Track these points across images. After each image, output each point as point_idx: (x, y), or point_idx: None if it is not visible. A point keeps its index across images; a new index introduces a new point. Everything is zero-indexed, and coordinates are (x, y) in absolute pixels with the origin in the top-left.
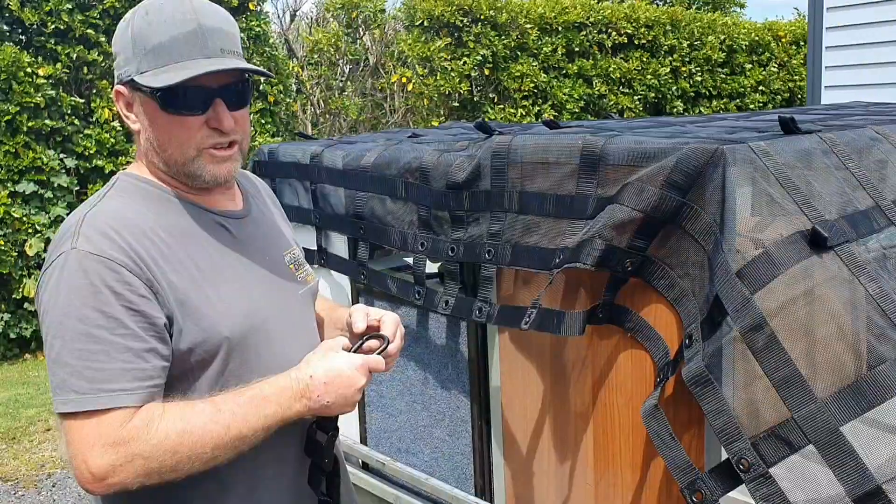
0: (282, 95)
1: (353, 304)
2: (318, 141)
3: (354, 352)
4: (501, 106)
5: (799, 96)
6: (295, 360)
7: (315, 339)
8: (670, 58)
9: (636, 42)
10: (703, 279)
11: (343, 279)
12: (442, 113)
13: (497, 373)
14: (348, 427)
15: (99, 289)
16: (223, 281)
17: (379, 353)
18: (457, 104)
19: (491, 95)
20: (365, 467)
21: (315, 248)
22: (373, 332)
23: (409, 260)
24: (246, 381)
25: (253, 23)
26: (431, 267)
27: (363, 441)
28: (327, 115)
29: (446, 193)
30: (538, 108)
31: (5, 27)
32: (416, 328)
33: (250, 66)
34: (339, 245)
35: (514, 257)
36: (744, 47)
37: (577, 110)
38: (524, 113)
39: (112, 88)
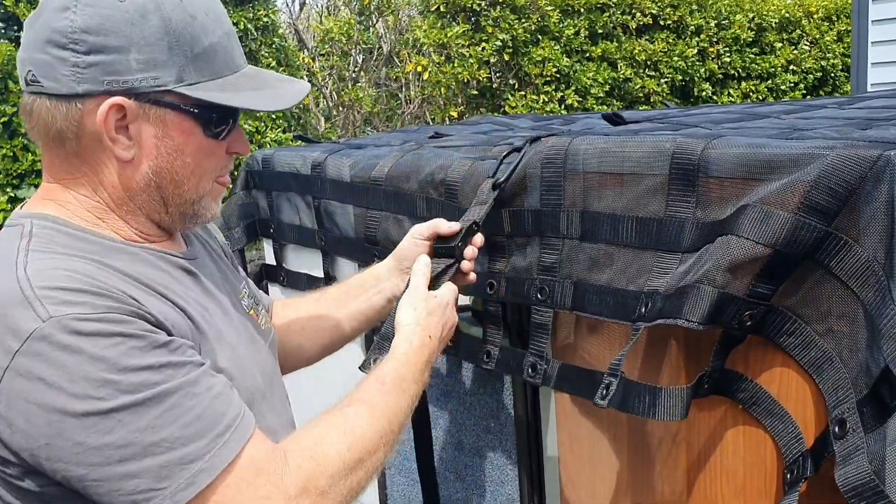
0: None
1: (367, 349)
2: (321, 145)
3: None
4: (522, 93)
5: (832, 75)
6: (283, 427)
7: (287, 404)
8: (697, 38)
9: (661, 23)
10: (858, 339)
11: None
12: (460, 102)
13: (553, 441)
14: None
15: (122, 345)
16: (219, 343)
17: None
18: (475, 92)
19: (511, 82)
20: None
21: (321, 275)
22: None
23: None
24: None
25: (261, 12)
26: (463, 299)
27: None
28: (340, 108)
29: None
30: (561, 93)
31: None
32: (446, 378)
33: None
34: (348, 273)
35: (577, 299)
36: (773, 25)
37: (601, 95)
38: (546, 99)
39: None
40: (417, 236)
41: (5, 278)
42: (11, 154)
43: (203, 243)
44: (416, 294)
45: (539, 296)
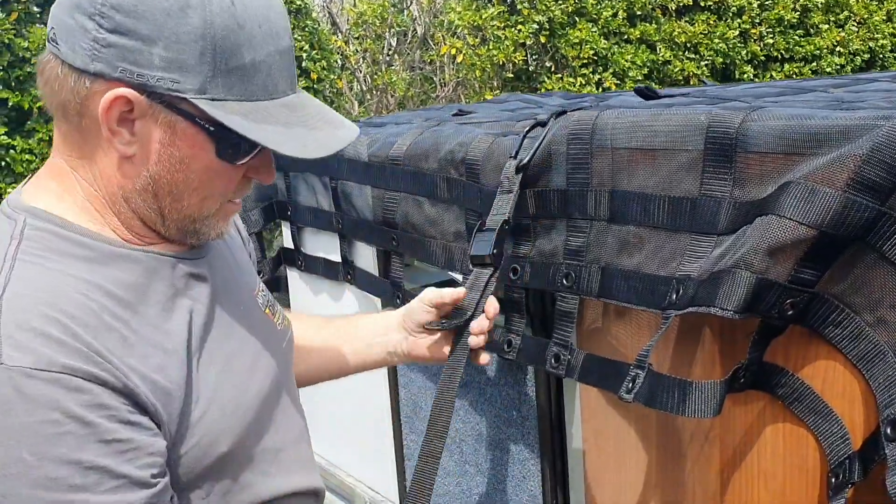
0: (325, 72)
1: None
2: None
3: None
4: (559, 75)
5: (880, 56)
6: (289, 443)
7: (300, 405)
8: (739, 20)
9: (702, 3)
10: None
11: (373, 301)
12: (496, 85)
13: (578, 434)
14: (383, 482)
15: (61, 426)
16: (211, 365)
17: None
18: (511, 75)
19: (548, 65)
20: None
21: (339, 259)
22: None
23: (457, 276)
24: (235, 494)
25: None
26: None
27: (402, 503)
28: (374, 92)
29: None
30: (598, 76)
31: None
32: (466, 368)
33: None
34: (368, 257)
35: (605, 286)
36: (819, 6)
37: (640, 78)
38: (584, 82)
39: None
40: (427, 302)
41: None
42: (48, 139)
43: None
44: None
45: (565, 282)
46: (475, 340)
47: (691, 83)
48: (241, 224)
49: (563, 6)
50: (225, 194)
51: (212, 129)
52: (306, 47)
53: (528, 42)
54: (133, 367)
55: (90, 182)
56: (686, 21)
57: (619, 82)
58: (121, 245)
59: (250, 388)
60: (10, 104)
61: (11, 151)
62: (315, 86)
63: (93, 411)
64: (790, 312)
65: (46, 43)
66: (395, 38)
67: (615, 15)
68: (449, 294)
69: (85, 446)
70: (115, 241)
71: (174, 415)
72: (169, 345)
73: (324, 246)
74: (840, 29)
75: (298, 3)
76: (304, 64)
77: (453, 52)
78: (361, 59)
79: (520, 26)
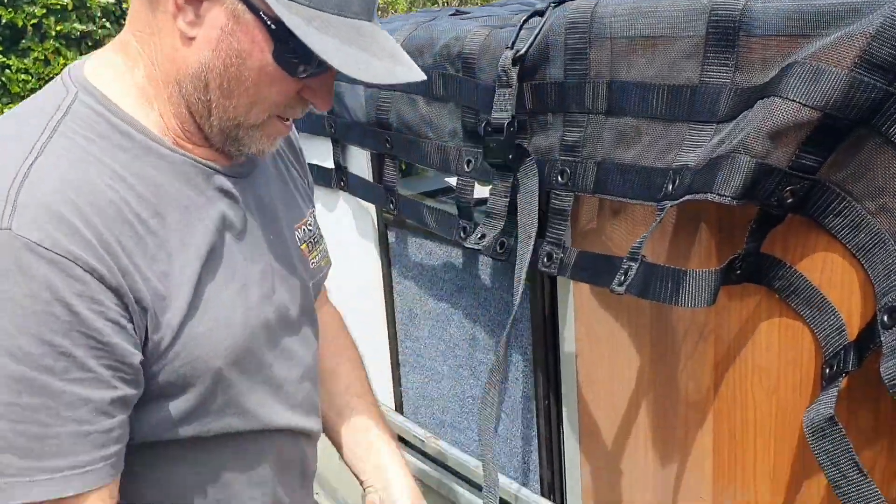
0: None
1: (379, 237)
2: None
3: None
4: None
5: None
6: (291, 381)
7: (315, 347)
8: None
9: None
10: None
11: (367, 208)
12: None
13: (571, 335)
14: (381, 390)
15: (48, 306)
16: (223, 284)
17: None
18: None
19: None
20: (401, 440)
21: (332, 166)
22: None
23: (452, 181)
24: (224, 416)
25: None
26: (481, 190)
27: (398, 408)
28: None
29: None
30: None
31: None
32: (461, 272)
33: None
34: (360, 162)
35: (600, 181)
36: None
37: None
38: None
39: None
40: None
41: (8, 160)
42: (43, 57)
43: (280, 158)
44: None
45: (559, 178)
46: None
47: None
48: (304, 159)
49: None
50: (275, 106)
51: (273, 26)
52: None
53: None
54: (138, 266)
55: (151, 60)
56: None
57: None
58: (161, 142)
59: (259, 315)
60: (4, 21)
61: (7, 71)
62: None
63: (82, 302)
64: (790, 200)
65: None
66: None
67: None
68: None
69: (64, 332)
70: (157, 137)
71: (172, 324)
72: (182, 254)
73: (316, 152)
74: None
75: None
76: None
77: None
78: None
79: None
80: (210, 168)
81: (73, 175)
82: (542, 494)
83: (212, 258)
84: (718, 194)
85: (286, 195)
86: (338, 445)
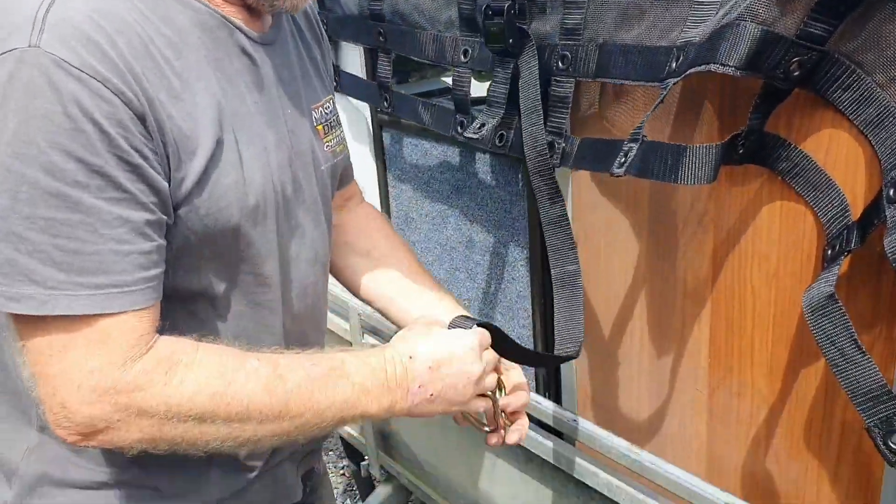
0: None
1: (374, 140)
2: None
3: None
4: None
5: None
6: (302, 261)
7: (328, 236)
8: None
9: None
10: None
11: (361, 108)
12: None
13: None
14: None
15: (80, 124)
16: (245, 142)
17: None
18: None
19: None
20: None
21: None
22: None
23: (449, 80)
24: (239, 273)
25: None
26: (479, 89)
27: None
28: None
29: None
30: None
31: None
32: (457, 173)
33: None
34: (353, 59)
35: (601, 65)
36: None
37: None
38: None
39: None
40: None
41: None
42: None
43: (300, 39)
44: (441, 333)
45: (560, 64)
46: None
47: None
48: (327, 44)
49: None
50: None
51: None
52: None
53: None
54: (163, 102)
55: None
56: None
57: None
58: None
59: (278, 182)
60: None
61: None
62: None
63: (112, 125)
64: (796, 73)
65: None
66: None
67: None
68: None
69: (97, 151)
70: None
71: (196, 169)
72: (206, 102)
73: None
74: None
75: None
76: None
77: None
78: None
79: None
80: (234, 26)
81: (101, 4)
82: (537, 391)
83: (233, 114)
84: (722, 64)
85: (305, 75)
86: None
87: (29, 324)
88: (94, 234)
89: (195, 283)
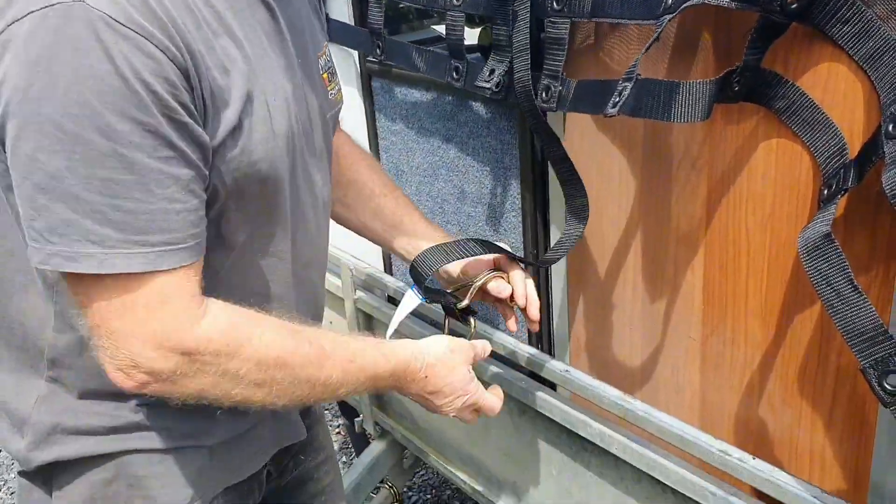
0: None
1: (363, 89)
2: None
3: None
4: None
5: None
6: (312, 208)
7: (330, 185)
8: None
9: None
10: None
11: (350, 58)
12: None
13: None
14: (367, 251)
15: (130, 83)
16: (271, 93)
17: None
18: None
19: None
20: (390, 300)
21: None
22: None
23: (441, 29)
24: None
25: None
26: (472, 37)
27: (387, 269)
28: None
29: None
30: None
31: None
32: (448, 122)
33: None
34: (340, 7)
35: (597, 4)
36: None
37: None
38: None
39: None
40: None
41: None
42: None
43: None
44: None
45: (555, 4)
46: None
47: None
48: None
49: None
50: None
51: None
52: None
53: None
54: (202, 53)
55: None
56: None
57: None
58: None
59: (298, 133)
60: None
61: None
62: None
63: (160, 83)
64: (794, 6)
65: None
66: None
67: None
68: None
69: (148, 110)
70: None
71: (231, 121)
72: (236, 54)
73: None
74: None
75: None
76: None
77: None
78: None
79: None
80: None
81: None
82: (529, 343)
83: (259, 66)
84: None
85: (310, 23)
86: (381, 243)
87: (87, 283)
88: (149, 193)
89: (215, 234)
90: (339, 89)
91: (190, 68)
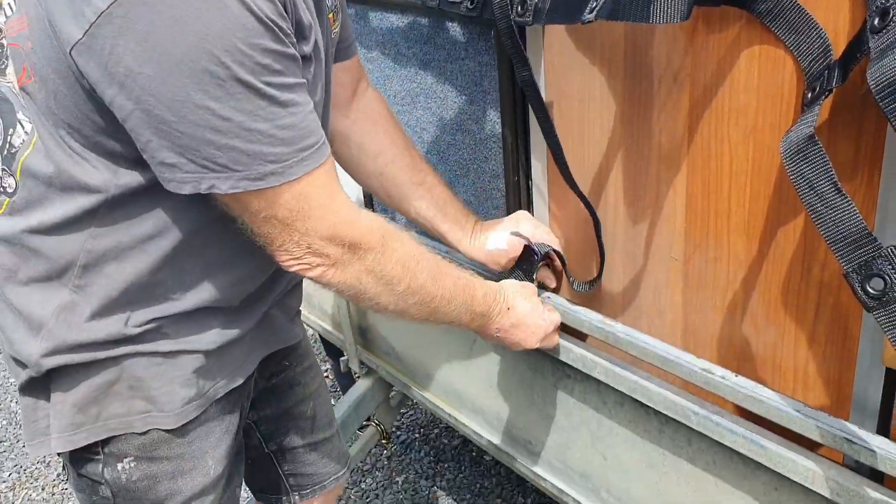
0: None
1: None
2: None
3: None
4: None
5: None
6: None
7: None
8: None
9: None
10: None
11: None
12: None
13: (542, 87)
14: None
15: (261, 20)
16: (320, 34)
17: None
18: None
19: None
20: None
21: None
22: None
23: None
24: None
25: None
26: None
27: (368, 203)
28: None
29: None
30: None
31: None
32: (424, 46)
33: None
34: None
35: None
36: None
37: None
38: None
39: None
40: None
41: None
42: None
43: None
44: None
45: None
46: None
47: None
48: None
49: None
50: None
51: None
52: None
53: None
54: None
55: None
56: None
57: None
58: None
59: (323, 81)
60: None
61: None
62: None
63: (280, 20)
64: None
65: None
66: None
67: None
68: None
69: (282, 41)
70: None
71: (306, 52)
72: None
73: None
74: None
75: None
76: None
77: None
78: None
79: None
80: None
81: None
82: None
83: (316, 8)
84: None
85: None
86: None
87: (266, 197)
88: (298, 106)
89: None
90: (338, 22)
91: (287, 3)
